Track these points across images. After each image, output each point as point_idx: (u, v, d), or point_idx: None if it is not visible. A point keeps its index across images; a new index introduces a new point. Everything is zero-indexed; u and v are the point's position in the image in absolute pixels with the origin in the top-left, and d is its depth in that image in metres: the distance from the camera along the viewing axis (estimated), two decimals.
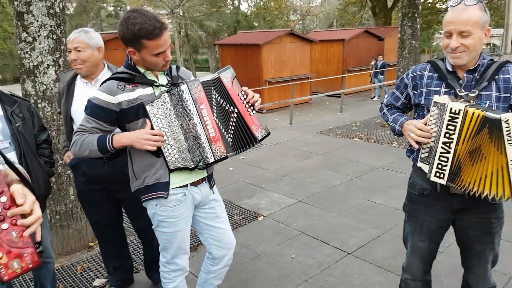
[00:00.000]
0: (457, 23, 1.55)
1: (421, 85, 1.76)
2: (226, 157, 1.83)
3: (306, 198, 4.26)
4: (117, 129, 1.86)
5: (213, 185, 2.04)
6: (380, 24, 18.19)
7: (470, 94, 1.61)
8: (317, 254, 3.12)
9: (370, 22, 25.92)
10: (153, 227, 1.96)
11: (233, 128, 1.85)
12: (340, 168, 5.26)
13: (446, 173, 1.55)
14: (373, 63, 12.21)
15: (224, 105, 1.83)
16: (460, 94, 1.61)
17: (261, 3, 29.26)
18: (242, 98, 1.85)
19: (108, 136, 1.75)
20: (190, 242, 2.23)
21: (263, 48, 10.82)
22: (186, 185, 1.88)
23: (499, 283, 2.56)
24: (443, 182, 1.57)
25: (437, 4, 23.82)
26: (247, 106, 1.85)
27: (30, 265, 0.94)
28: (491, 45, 39.80)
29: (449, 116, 1.51)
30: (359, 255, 3.07)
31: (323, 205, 4.05)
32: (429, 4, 22.64)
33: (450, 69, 1.68)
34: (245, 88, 1.88)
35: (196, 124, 1.78)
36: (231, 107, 1.83)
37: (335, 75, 12.91)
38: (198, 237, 3.43)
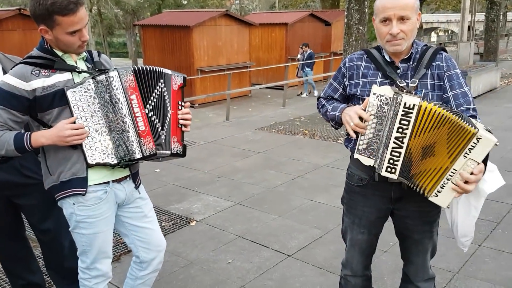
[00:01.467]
0: (397, 7, 1.74)
1: (358, 75, 1.96)
2: (155, 154, 1.96)
3: (244, 200, 4.54)
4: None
5: (139, 184, 2.17)
6: (327, 7, 19.10)
7: (411, 84, 1.81)
8: (255, 258, 3.40)
9: (316, 4, 27.04)
10: (70, 229, 2.05)
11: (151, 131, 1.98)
12: (282, 168, 5.62)
13: (398, 168, 1.73)
14: (299, 54, 12.27)
15: (166, 103, 2.00)
16: (401, 85, 1.80)
17: None
18: (180, 108, 2.04)
19: (25, 134, 1.84)
20: (112, 251, 2.35)
21: (194, 31, 10.96)
22: (107, 182, 2.00)
23: (443, 280, 3.01)
24: (395, 177, 1.75)
25: None
26: (179, 117, 2.05)
27: None
28: (449, 32, 43.10)
29: (403, 111, 1.66)
30: (300, 257, 3.40)
31: (263, 207, 4.35)
32: None
33: (388, 59, 1.91)
34: (187, 104, 2.09)
35: (124, 115, 1.89)
36: (168, 108, 2.01)
37: (277, 63, 13.31)
38: (121, 245, 3.55)
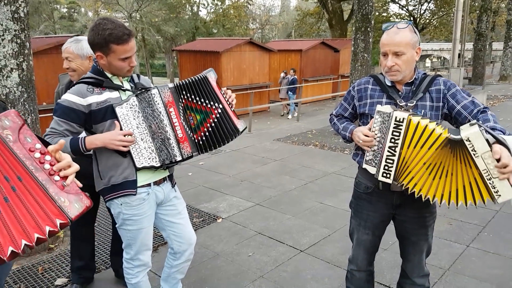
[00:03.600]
0: (391, 45, 1.81)
1: (366, 96, 1.99)
2: (191, 156, 2.03)
3: (263, 202, 4.54)
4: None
5: (174, 184, 2.21)
6: (336, 36, 19.08)
7: (408, 104, 1.85)
8: (272, 252, 3.39)
9: (327, 34, 27.03)
10: (117, 225, 2.10)
11: (213, 124, 2.05)
12: (295, 174, 5.60)
13: (392, 173, 1.77)
14: (282, 75, 11.71)
15: (202, 103, 2.04)
16: (400, 104, 1.87)
17: (221, 10, 29.60)
18: (224, 96, 2.09)
19: (80, 138, 1.89)
20: (152, 243, 2.38)
21: (223, 55, 11.08)
22: (149, 184, 2.04)
23: (436, 276, 2.95)
24: (389, 181, 1.78)
25: (391, 18, 25.33)
26: (228, 102, 2.09)
27: (88, 205, 1.15)
28: (442, 58, 42.54)
29: (394, 124, 1.72)
30: (311, 252, 3.38)
31: (279, 208, 4.34)
32: (383, 18, 24.03)
33: (389, 84, 1.95)
34: (224, 88, 2.12)
35: (166, 125, 1.96)
36: (215, 104, 2.05)
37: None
38: (158, 238, 3.59)
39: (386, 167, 1.78)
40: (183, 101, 2.02)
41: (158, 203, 2.13)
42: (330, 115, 2.24)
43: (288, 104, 11.49)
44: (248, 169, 5.88)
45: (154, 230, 3.42)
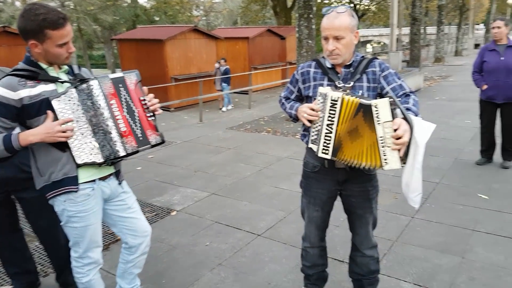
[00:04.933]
0: (332, 29, 1.89)
1: (309, 79, 2.08)
2: (137, 151, 1.95)
3: (219, 190, 4.54)
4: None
5: (122, 181, 2.13)
6: (281, 23, 19.24)
7: (346, 85, 1.97)
8: (230, 239, 3.41)
9: (273, 21, 27.22)
10: (61, 224, 2.00)
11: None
12: (250, 160, 5.64)
13: (330, 149, 1.87)
14: (216, 66, 10.87)
15: (130, 103, 1.93)
16: (339, 86, 1.98)
17: None
18: (143, 103, 1.96)
19: (13, 134, 1.76)
20: (103, 241, 2.31)
21: (167, 44, 10.77)
22: (94, 180, 1.96)
23: (384, 247, 3.12)
24: (328, 157, 1.88)
25: (332, 5, 25.99)
26: (146, 110, 1.97)
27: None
28: (382, 43, 44.41)
29: (331, 103, 1.82)
30: (268, 235, 3.45)
31: (235, 195, 4.36)
32: (325, 4, 24.59)
33: (329, 66, 2.04)
34: (150, 95, 2.00)
35: (107, 118, 1.85)
36: (133, 107, 1.94)
37: (242, 72, 13.35)
38: (109, 235, 3.47)
39: (325, 144, 1.87)
40: (124, 93, 1.92)
41: (105, 198, 2.06)
42: (280, 97, 2.31)
43: (225, 96, 10.69)
44: (201, 159, 5.83)
45: (104, 227, 3.31)
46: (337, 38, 1.90)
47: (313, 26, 7.70)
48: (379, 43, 46.30)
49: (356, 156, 1.82)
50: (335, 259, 3.03)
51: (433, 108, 8.81)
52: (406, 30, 19.57)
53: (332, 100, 1.82)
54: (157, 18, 29.74)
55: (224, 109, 10.65)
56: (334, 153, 1.88)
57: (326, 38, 1.93)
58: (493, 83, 4.63)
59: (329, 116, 1.85)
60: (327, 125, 1.86)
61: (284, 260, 3.06)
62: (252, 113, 9.71)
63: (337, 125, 1.84)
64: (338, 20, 1.89)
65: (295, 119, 2.13)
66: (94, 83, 1.84)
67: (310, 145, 1.99)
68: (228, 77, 10.69)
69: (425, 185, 4.43)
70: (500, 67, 4.56)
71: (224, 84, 10.62)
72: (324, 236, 2.33)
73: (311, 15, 7.62)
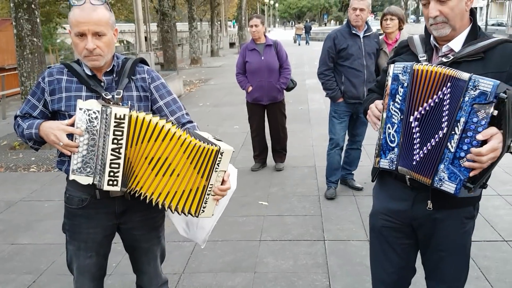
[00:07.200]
0: (90, 23, 1.91)
1: (60, 89, 2.03)
2: None
3: None
4: None
5: None
6: None
7: (116, 96, 2.01)
8: None
9: None
10: None
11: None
12: None
13: (119, 179, 1.88)
14: None
15: None
16: (107, 98, 1.99)
17: None
18: None
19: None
20: None
21: None
22: None
23: (172, 283, 3.34)
24: (117, 189, 1.90)
25: None
26: None
27: None
28: (125, 42, 45.59)
29: (115, 122, 1.82)
30: None
31: None
32: None
33: (89, 73, 2.05)
34: None
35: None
36: None
37: None
38: None
39: (112, 173, 1.87)
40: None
41: None
42: (15, 117, 2.16)
43: None
44: None
45: None
46: (98, 35, 1.94)
47: (38, 20, 7.38)
48: (121, 42, 47.40)
49: (169, 196, 1.91)
50: None
51: (199, 115, 9.77)
52: (153, 27, 20.94)
53: (116, 118, 1.83)
54: None
55: None
56: (125, 183, 1.91)
57: (82, 35, 1.93)
58: (257, 84, 5.60)
59: (115, 138, 1.85)
60: (113, 149, 1.86)
61: None
62: None
63: (126, 148, 1.87)
64: (96, 13, 1.93)
65: (38, 142, 2.04)
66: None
67: (72, 177, 1.92)
68: None
69: None
70: (262, 67, 5.57)
71: None
72: (101, 287, 2.32)
73: (33, 5, 7.27)
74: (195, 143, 1.85)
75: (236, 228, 4.29)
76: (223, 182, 1.94)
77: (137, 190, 1.92)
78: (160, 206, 1.93)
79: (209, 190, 1.92)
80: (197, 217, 1.97)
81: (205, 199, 1.93)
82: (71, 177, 1.92)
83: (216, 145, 1.86)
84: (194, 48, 23.22)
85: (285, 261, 3.66)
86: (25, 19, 7.23)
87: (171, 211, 1.93)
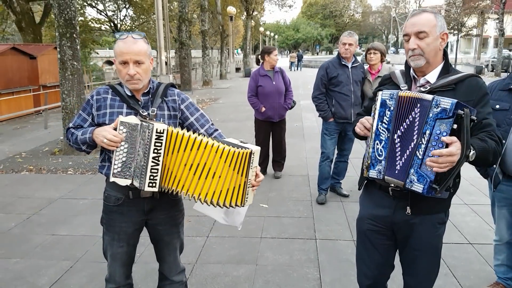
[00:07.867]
0: (132, 53, 2.01)
1: (105, 106, 2.12)
2: None
3: None
4: None
5: None
6: (29, 41, 17.53)
7: (151, 113, 2.11)
8: None
9: (16, 38, 24.45)
10: None
11: None
12: (11, 208, 4.95)
13: (157, 182, 1.95)
14: None
15: None
16: (144, 114, 2.08)
17: None
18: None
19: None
20: None
21: None
22: None
23: (187, 272, 3.29)
24: (156, 189, 1.96)
25: (90, 23, 25.47)
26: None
27: None
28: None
29: (156, 135, 1.91)
30: None
31: None
32: (81, 23, 23.86)
33: (129, 94, 2.14)
34: None
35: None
36: None
37: None
38: None
39: (152, 177, 1.95)
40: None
41: None
42: (67, 129, 2.23)
43: None
44: None
45: None
46: (138, 63, 2.04)
47: (78, 47, 7.46)
48: None
49: (214, 195, 1.93)
50: None
51: None
52: (172, 53, 21.08)
53: (157, 132, 1.92)
54: None
55: None
56: (162, 184, 1.98)
57: (125, 63, 2.03)
58: (270, 105, 5.72)
59: (155, 149, 1.93)
60: (154, 157, 1.94)
61: None
62: (2, 149, 8.46)
63: (163, 157, 1.95)
64: (136, 45, 2.03)
65: (92, 144, 2.10)
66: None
67: (112, 179, 2.00)
68: None
69: None
70: (273, 91, 5.70)
71: None
72: (130, 273, 2.36)
73: (74, 35, 7.36)
74: (229, 149, 1.88)
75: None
76: (256, 175, 1.98)
77: (178, 191, 1.97)
78: (202, 203, 1.97)
79: (248, 184, 1.95)
80: (243, 206, 1.99)
81: (247, 192, 1.96)
82: (111, 179, 2.00)
83: (248, 148, 1.90)
84: (206, 72, 23.32)
85: (282, 256, 3.69)
86: (67, 46, 7.30)
87: (220, 206, 1.95)
